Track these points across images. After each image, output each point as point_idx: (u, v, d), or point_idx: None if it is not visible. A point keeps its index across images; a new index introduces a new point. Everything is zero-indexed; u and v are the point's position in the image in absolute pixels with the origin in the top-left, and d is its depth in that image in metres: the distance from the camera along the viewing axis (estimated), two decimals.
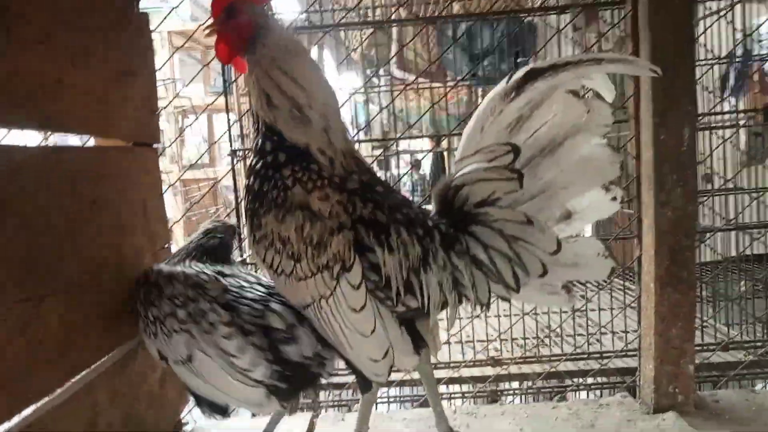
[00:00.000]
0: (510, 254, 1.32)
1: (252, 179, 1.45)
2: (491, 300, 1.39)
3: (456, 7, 5.43)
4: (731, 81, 4.80)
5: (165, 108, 2.58)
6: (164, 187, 1.93)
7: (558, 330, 2.38)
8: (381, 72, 5.09)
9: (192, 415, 2.15)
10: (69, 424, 1.31)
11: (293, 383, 1.47)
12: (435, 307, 1.38)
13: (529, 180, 1.31)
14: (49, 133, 1.45)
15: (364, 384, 1.54)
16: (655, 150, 1.72)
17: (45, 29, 1.33)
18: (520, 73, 1.32)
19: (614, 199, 1.38)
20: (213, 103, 2.48)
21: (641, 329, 1.85)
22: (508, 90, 1.32)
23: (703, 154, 2.53)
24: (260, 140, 1.46)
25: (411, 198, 3.15)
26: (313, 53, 4.83)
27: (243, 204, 1.46)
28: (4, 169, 1.19)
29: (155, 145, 1.89)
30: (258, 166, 1.45)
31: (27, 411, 1.28)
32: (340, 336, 1.40)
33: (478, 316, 2.43)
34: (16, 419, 1.24)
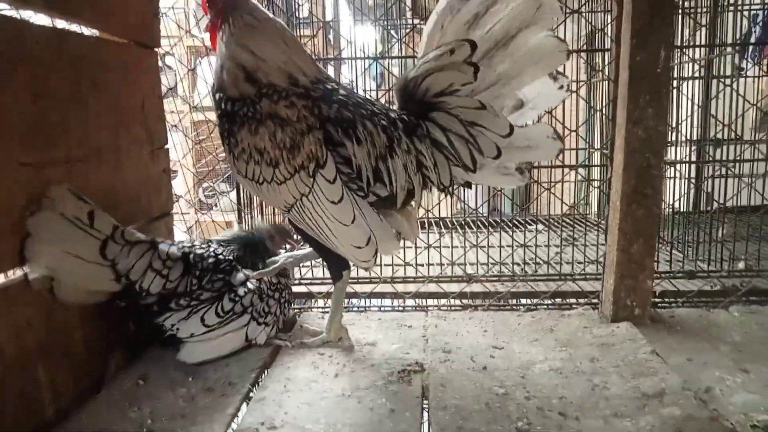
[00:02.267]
0: (467, 136, 1.45)
1: (224, 104, 1.53)
2: (453, 185, 1.53)
3: None
4: (753, 40, 4.71)
5: (176, 45, 2.63)
6: (174, 128, 2.05)
7: (539, 259, 2.50)
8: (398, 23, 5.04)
9: None
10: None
11: None
12: (402, 189, 1.50)
13: (485, 71, 1.42)
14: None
15: (336, 273, 1.68)
16: (630, 70, 1.77)
17: None
18: None
19: (561, 87, 1.51)
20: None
21: (606, 246, 1.94)
22: None
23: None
24: (218, 94, 1.55)
25: None
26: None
27: (218, 130, 1.56)
28: (15, 37, 1.30)
29: (156, 49, 1.99)
30: (223, 95, 1.54)
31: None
32: (324, 228, 1.53)
33: (474, 246, 2.55)
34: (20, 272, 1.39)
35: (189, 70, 6.33)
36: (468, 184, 1.57)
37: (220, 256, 1.75)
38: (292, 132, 1.47)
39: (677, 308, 2.06)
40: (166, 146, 2.01)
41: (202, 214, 5.92)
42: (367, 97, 1.65)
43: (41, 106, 1.36)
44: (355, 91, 1.74)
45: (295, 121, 1.47)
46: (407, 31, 3.67)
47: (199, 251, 1.72)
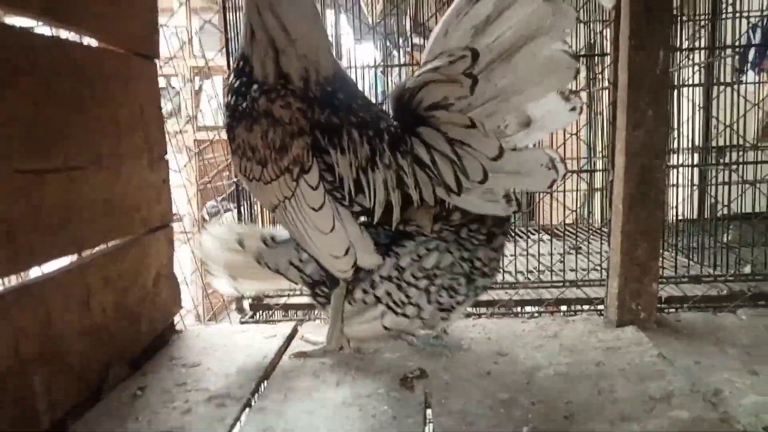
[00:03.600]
0: (452, 156, 1.37)
1: (230, 96, 1.56)
2: (437, 202, 1.45)
3: None
4: (753, 51, 4.73)
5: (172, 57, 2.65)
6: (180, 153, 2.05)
7: (543, 266, 2.49)
8: (400, 43, 5.06)
9: (183, 321, 2.30)
10: (63, 297, 1.44)
11: None
12: (380, 205, 1.46)
13: (484, 84, 1.35)
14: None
15: (333, 280, 1.65)
16: (629, 72, 1.77)
17: None
18: None
19: (573, 109, 1.42)
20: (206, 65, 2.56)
21: (610, 250, 1.92)
22: None
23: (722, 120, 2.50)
24: (241, 62, 1.56)
25: None
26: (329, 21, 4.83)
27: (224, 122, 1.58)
28: (17, 44, 1.30)
29: (156, 60, 1.99)
30: (236, 84, 1.57)
31: (28, 273, 1.43)
32: (303, 234, 1.51)
33: None
34: (14, 278, 1.38)
35: (195, 91, 6.42)
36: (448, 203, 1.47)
37: None
38: (283, 133, 1.46)
39: (683, 313, 2.04)
40: (165, 156, 2.01)
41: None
42: (369, 102, 1.61)
43: (41, 114, 1.36)
44: (360, 92, 1.68)
45: (287, 123, 1.46)
46: (408, 49, 3.71)
47: None
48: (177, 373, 1.64)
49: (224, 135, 1.62)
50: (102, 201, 1.60)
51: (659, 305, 2.13)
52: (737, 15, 2.75)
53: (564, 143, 2.35)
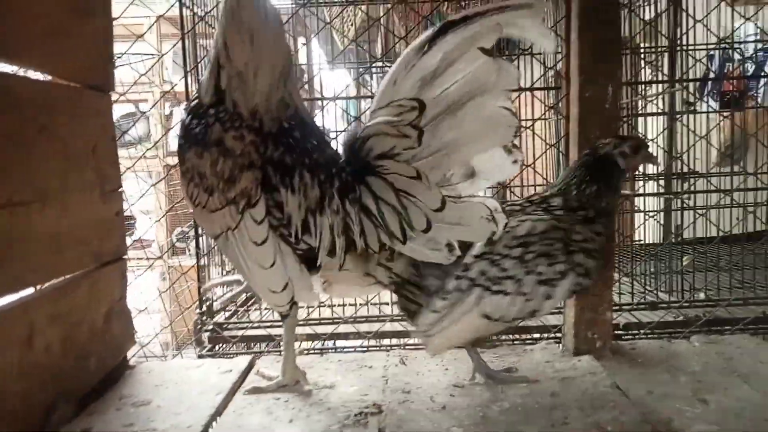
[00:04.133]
0: (398, 207, 1.40)
1: (187, 117, 1.55)
2: (382, 248, 1.46)
3: None
4: (709, 83, 4.91)
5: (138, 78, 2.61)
6: (149, 178, 2.02)
7: None
8: (373, 69, 5.11)
9: (145, 351, 2.24)
10: (2, 336, 1.39)
11: None
12: (324, 249, 1.46)
13: (430, 136, 1.38)
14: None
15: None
16: (580, 106, 1.82)
17: None
18: (436, 26, 1.38)
19: (515, 162, 1.46)
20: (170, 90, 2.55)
21: None
22: (423, 43, 1.38)
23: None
24: (205, 82, 1.56)
25: None
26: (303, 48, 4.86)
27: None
28: None
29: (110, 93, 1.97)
30: (194, 104, 1.57)
31: None
32: (243, 266, 1.51)
33: None
34: None
35: (164, 116, 6.37)
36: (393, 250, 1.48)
37: None
38: (233, 164, 1.45)
39: (639, 340, 2.07)
40: (119, 189, 1.98)
41: (169, 258, 5.84)
42: (324, 142, 1.59)
43: None
44: (320, 129, 1.68)
45: (238, 155, 1.46)
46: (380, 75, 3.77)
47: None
48: (125, 412, 1.59)
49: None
50: (48, 237, 1.55)
51: (617, 332, 2.16)
52: (694, 48, 2.86)
53: (519, 174, 2.39)
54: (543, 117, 2.71)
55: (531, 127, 2.27)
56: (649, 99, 2.73)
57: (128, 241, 2.06)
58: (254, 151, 1.47)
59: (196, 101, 1.57)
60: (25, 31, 1.51)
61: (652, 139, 2.68)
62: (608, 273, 1.85)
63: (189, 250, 5.99)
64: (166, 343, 3.72)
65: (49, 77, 1.67)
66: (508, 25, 1.36)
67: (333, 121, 3.65)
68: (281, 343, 2.17)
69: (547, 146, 2.28)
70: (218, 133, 1.47)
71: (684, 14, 2.69)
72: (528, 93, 2.81)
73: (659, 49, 3.14)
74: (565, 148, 1.95)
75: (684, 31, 2.68)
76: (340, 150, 1.54)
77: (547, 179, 2.45)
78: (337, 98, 2.66)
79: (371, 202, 1.43)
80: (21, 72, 1.59)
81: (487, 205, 1.42)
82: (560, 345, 1.99)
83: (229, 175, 1.46)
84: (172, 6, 2.42)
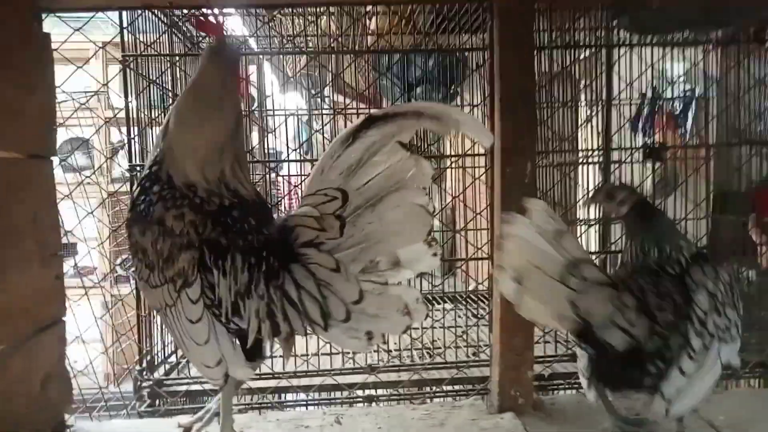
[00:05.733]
0: (318, 297, 1.46)
1: (136, 189, 1.62)
2: (307, 332, 1.54)
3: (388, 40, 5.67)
4: (642, 121, 5.23)
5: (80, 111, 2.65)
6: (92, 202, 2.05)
7: (429, 344, 2.63)
8: (325, 95, 5.23)
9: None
10: None
11: None
12: (252, 332, 1.52)
13: (352, 228, 1.45)
14: None
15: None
16: (502, 181, 1.97)
17: None
18: (361, 119, 1.48)
19: (435, 255, 1.51)
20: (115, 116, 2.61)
21: (491, 339, 2.08)
22: (348, 135, 1.47)
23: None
24: (159, 155, 1.62)
25: None
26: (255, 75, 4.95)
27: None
28: None
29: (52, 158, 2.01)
30: (145, 176, 1.64)
31: None
32: (180, 341, 1.58)
33: None
34: None
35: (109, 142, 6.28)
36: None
37: None
38: (171, 244, 1.51)
39: (560, 392, 2.21)
40: (59, 253, 2.00)
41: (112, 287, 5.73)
42: (264, 218, 1.63)
43: None
44: (263, 205, 1.72)
45: (177, 235, 1.52)
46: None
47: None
48: None
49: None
50: None
51: (542, 382, 2.30)
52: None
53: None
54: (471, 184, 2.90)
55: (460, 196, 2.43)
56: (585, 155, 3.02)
57: (66, 267, 2.08)
58: (193, 231, 1.53)
59: (148, 171, 1.63)
60: None
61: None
62: (529, 334, 2.00)
63: (132, 279, 5.91)
64: (107, 374, 3.69)
65: None
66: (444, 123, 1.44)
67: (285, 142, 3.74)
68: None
69: (474, 214, 2.46)
70: (160, 212, 1.54)
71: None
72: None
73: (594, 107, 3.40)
74: (490, 216, 2.10)
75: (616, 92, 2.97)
76: (277, 229, 1.58)
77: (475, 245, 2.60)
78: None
79: (293, 290, 1.48)
80: None
81: (407, 297, 1.50)
82: (486, 402, 2.12)
83: (168, 255, 1.52)
84: (114, 37, 2.47)
